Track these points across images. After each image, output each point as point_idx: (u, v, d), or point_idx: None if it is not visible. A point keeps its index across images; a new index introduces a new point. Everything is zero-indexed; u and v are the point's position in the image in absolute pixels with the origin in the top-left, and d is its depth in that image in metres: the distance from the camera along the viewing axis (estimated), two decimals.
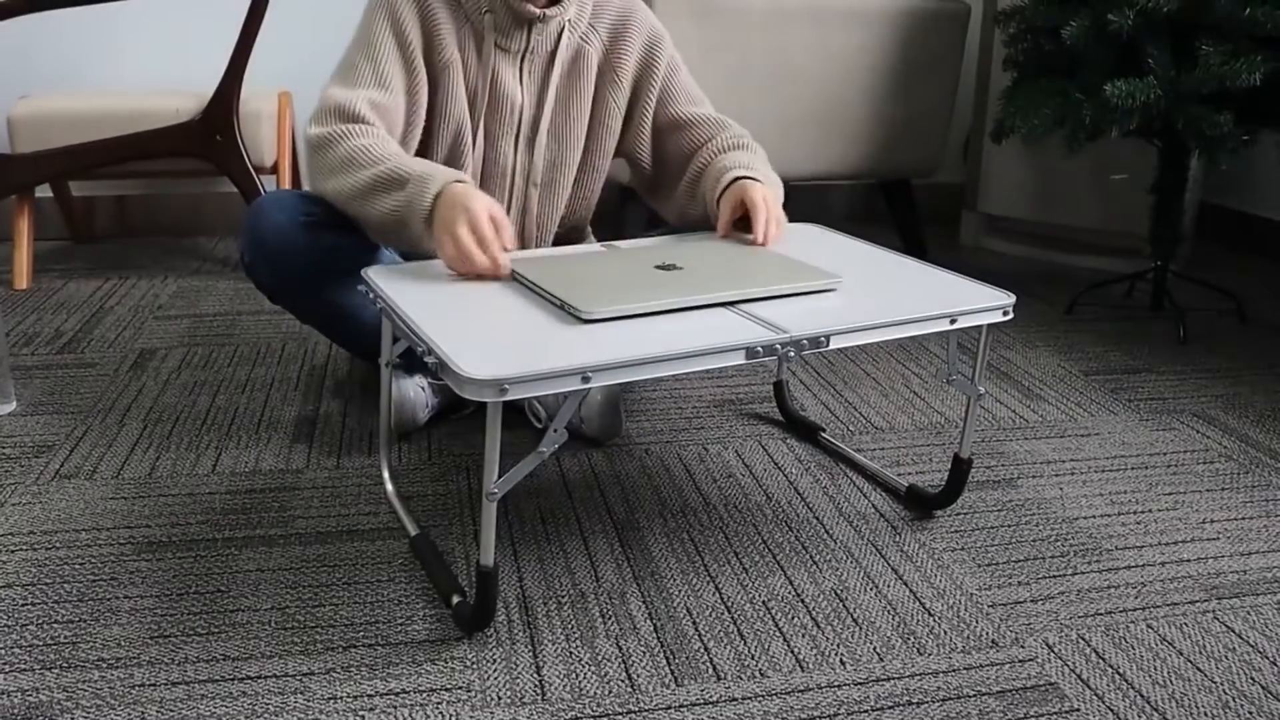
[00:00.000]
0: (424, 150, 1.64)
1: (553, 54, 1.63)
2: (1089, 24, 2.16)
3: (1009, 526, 1.47)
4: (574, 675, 1.13)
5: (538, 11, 1.57)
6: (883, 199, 2.97)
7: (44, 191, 2.83)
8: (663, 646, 1.19)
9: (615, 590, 1.29)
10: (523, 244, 1.73)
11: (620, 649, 1.18)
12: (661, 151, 1.74)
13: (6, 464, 1.58)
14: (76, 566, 1.31)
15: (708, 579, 1.32)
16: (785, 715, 1.08)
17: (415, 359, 1.67)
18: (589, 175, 1.75)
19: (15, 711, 1.06)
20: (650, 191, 1.79)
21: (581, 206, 1.78)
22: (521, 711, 1.08)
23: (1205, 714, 1.11)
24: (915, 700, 1.11)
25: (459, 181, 1.38)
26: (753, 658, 1.17)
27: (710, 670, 1.15)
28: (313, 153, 1.53)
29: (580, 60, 1.65)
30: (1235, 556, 1.41)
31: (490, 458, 1.08)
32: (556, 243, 1.80)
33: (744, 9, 2.45)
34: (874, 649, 1.19)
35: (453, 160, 1.65)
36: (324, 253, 1.57)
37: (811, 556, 1.38)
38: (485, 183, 1.68)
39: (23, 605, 1.23)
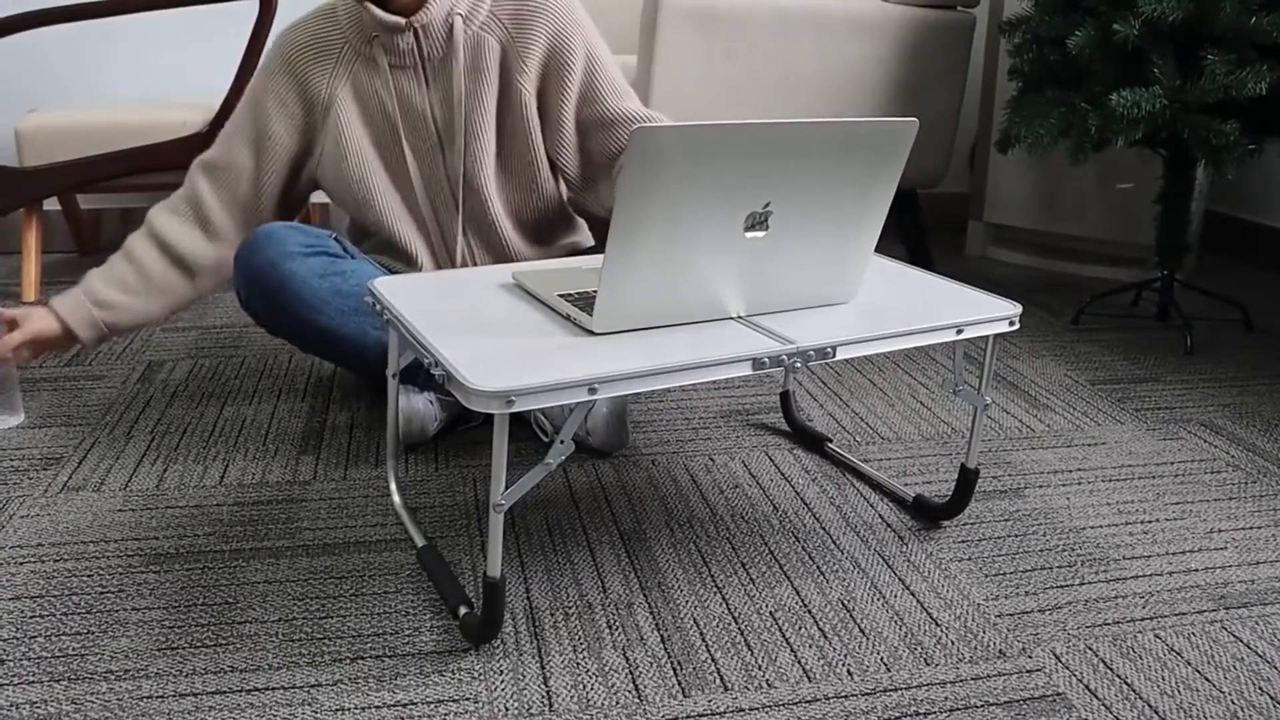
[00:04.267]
0: (357, 188, 1.69)
1: (447, 55, 1.63)
2: (1094, 34, 2.17)
3: (1016, 536, 1.47)
4: (581, 686, 1.13)
5: (401, 21, 1.58)
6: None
7: (52, 204, 2.84)
8: (670, 657, 1.19)
9: (622, 601, 1.29)
10: (482, 249, 1.74)
11: (627, 660, 1.18)
12: (587, 149, 1.70)
13: (15, 476, 1.58)
14: (84, 578, 1.31)
15: (715, 589, 1.32)
16: None
17: (421, 378, 1.68)
18: (524, 169, 1.70)
19: None
20: (578, 191, 1.75)
21: (537, 204, 1.74)
22: None
23: None
24: (922, 711, 1.11)
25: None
26: (760, 668, 1.17)
27: (717, 681, 1.15)
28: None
29: (481, 54, 1.63)
30: (1243, 566, 1.41)
31: (497, 469, 1.08)
32: (540, 244, 1.79)
33: (747, 19, 2.46)
34: (881, 659, 1.19)
35: (397, 183, 1.70)
36: (318, 282, 1.58)
37: (818, 567, 1.38)
38: (432, 199, 1.70)
39: (31, 617, 1.23)
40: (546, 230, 1.80)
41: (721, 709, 1.10)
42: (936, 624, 1.26)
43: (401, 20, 1.58)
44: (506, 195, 1.72)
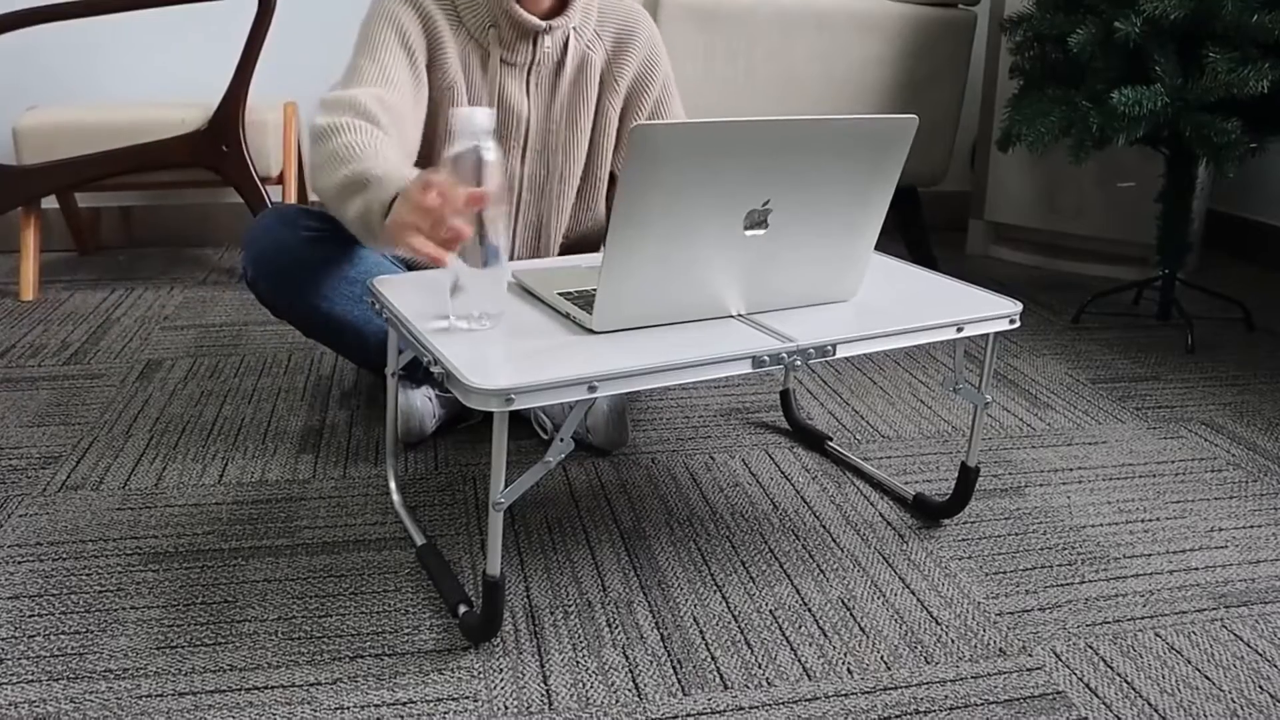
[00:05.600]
0: (428, 166, 1.61)
1: (559, 64, 1.63)
2: (1096, 32, 2.16)
3: (1016, 535, 1.47)
4: (581, 685, 1.13)
5: (542, 24, 1.57)
6: (889, 207, 2.97)
7: (50, 203, 2.84)
8: (670, 656, 1.18)
9: (622, 599, 1.29)
10: (527, 254, 1.74)
11: (627, 658, 1.18)
12: None
13: (13, 475, 1.58)
14: (83, 577, 1.31)
15: (714, 588, 1.32)
16: None
17: (420, 372, 1.68)
18: (591, 185, 1.75)
19: None
20: None
21: (588, 218, 1.78)
22: None
23: None
24: (923, 709, 1.10)
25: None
26: (760, 667, 1.17)
27: (717, 679, 1.14)
28: (312, 145, 1.45)
29: (585, 69, 1.66)
30: (1244, 565, 1.41)
31: (497, 467, 1.08)
32: (566, 254, 1.80)
33: (748, 17, 2.45)
34: (881, 658, 1.19)
35: None
36: (326, 267, 1.57)
37: (818, 565, 1.38)
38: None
39: (30, 616, 1.23)
40: (584, 245, 1.83)
41: (721, 707, 1.10)
42: (937, 622, 1.26)
43: (541, 24, 1.57)
44: (575, 212, 1.76)
